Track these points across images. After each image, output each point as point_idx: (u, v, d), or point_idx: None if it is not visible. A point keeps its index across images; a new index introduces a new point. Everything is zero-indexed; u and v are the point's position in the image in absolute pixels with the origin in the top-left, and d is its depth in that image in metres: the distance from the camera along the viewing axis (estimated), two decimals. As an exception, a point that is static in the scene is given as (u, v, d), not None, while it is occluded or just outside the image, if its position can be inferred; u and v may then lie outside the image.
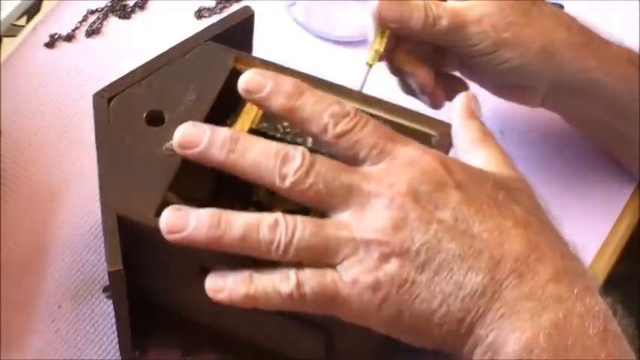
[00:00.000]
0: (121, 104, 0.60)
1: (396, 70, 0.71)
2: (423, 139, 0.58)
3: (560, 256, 0.51)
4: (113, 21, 0.86)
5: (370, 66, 0.68)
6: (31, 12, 0.87)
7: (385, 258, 0.49)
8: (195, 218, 0.51)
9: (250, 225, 0.50)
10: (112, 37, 0.85)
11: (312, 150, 0.52)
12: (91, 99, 0.61)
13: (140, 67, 0.62)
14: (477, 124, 0.57)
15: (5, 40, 0.85)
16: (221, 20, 0.65)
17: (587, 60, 0.68)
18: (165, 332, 0.66)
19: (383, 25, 0.67)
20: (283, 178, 0.50)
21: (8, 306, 0.69)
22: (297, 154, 0.51)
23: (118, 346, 0.66)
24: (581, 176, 0.77)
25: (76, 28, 0.85)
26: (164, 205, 0.53)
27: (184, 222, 0.51)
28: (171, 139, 0.54)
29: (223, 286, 0.52)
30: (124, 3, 0.86)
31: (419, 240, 0.49)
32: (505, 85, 0.71)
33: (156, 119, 0.60)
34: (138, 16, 0.86)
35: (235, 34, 0.64)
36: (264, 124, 0.61)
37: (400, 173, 0.51)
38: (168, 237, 0.51)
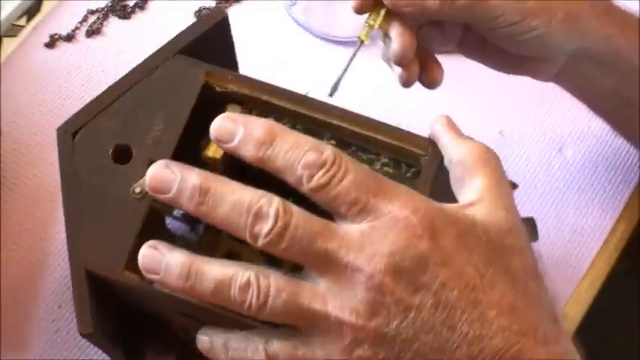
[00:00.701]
0: (86, 139, 0.57)
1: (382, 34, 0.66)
2: (412, 158, 0.56)
3: (542, 343, 0.47)
4: (113, 21, 0.86)
5: (362, 42, 0.64)
6: (31, 12, 0.87)
7: (358, 343, 0.46)
8: (166, 265, 0.49)
9: (222, 282, 0.48)
10: (112, 37, 0.85)
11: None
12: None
13: (105, 92, 0.58)
14: (470, 144, 0.53)
15: (5, 40, 0.85)
16: (190, 27, 0.60)
17: (609, 27, 0.65)
18: (161, 338, 0.65)
19: (397, 9, 0.62)
20: (255, 238, 0.47)
21: (8, 306, 0.69)
22: (270, 212, 0.47)
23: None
24: (581, 176, 0.77)
25: (76, 28, 0.85)
26: (134, 255, 0.50)
27: (157, 266, 0.49)
28: (140, 178, 0.52)
29: (208, 348, 0.51)
30: (124, 3, 0.86)
31: (395, 328, 0.46)
32: (522, 58, 0.67)
33: (123, 155, 0.56)
34: (138, 16, 0.86)
35: (210, 40, 0.60)
36: None
37: (382, 242, 0.46)
38: (147, 276, 0.50)
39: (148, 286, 0.52)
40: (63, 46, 0.84)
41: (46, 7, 0.87)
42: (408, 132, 0.56)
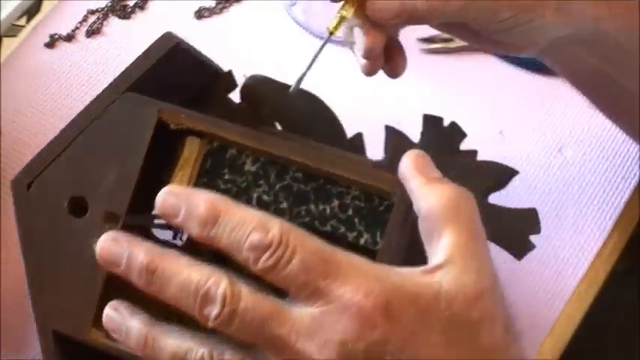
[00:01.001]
0: (41, 190, 0.54)
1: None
2: (382, 197, 0.53)
3: None
4: (113, 21, 0.86)
5: (331, 34, 0.59)
6: (31, 12, 0.87)
7: None
8: (126, 330, 0.48)
9: (177, 355, 0.47)
10: (112, 37, 0.85)
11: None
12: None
13: (57, 137, 0.56)
14: (439, 192, 0.48)
15: (5, 40, 0.85)
16: (139, 60, 0.56)
17: (600, 9, 0.62)
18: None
19: (382, 22, 0.59)
20: (205, 319, 0.45)
21: (8, 306, 0.69)
22: (218, 295, 0.45)
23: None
24: (581, 176, 0.77)
25: (76, 28, 0.85)
26: (100, 313, 0.49)
27: (119, 328, 0.49)
28: (98, 232, 0.50)
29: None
30: (124, 3, 0.86)
31: None
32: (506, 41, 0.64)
33: (79, 208, 0.54)
34: (138, 16, 0.86)
35: (167, 67, 0.57)
36: (204, 179, 0.55)
37: (333, 329, 0.43)
38: (112, 335, 0.49)
39: (114, 345, 0.51)
40: (63, 46, 0.84)
41: (46, 7, 0.87)
42: (376, 169, 0.53)
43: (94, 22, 0.85)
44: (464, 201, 0.48)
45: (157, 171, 0.54)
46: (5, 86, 0.80)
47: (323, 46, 0.58)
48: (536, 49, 0.65)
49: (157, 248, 0.48)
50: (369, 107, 0.79)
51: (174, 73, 0.57)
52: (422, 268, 0.46)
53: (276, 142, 0.53)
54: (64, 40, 0.84)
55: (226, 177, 0.55)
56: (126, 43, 0.84)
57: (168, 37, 0.56)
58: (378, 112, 0.79)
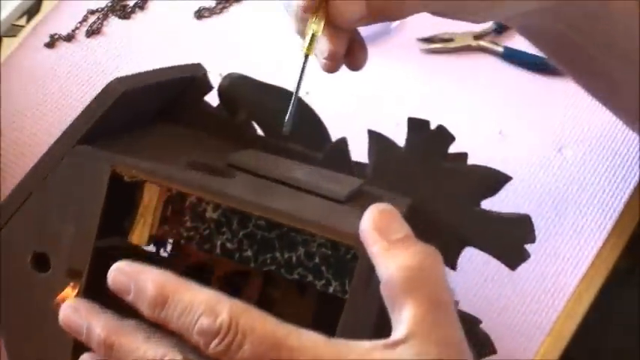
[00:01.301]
0: (6, 243, 0.53)
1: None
2: (349, 246, 0.51)
3: None
4: (113, 21, 0.86)
5: (307, 56, 0.55)
6: (31, 12, 0.87)
7: None
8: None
9: None
10: (112, 37, 0.85)
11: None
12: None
13: (15, 189, 0.54)
14: (401, 259, 0.45)
15: (5, 40, 0.85)
16: (87, 110, 0.53)
17: None
18: None
19: (348, 25, 0.55)
20: None
21: None
22: None
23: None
24: (581, 176, 0.77)
25: (76, 28, 0.85)
26: None
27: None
28: (63, 287, 0.50)
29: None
30: (124, 3, 0.86)
31: None
32: None
33: (42, 263, 0.53)
34: (138, 16, 0.86)
35: (119, 109, 0.54)
36: (166, 227, 0.54)
37: None
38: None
39: None
40: (63, 46, 0.84)
41: (46, 7, 0.87)
42: (336, 228, 0.50)
43: (94, 22, 0.85)
44: (427, 265, 0.45)
45: (118, 219, 0.53)
46: (5, 86, 0.80)
47: (303, 69, 0.55)
48: (500, 19, 0.64)
49: (114, 321, 0.47)
50: (368, 107, 0.79)
51: (133, 109, 0.56)
52: (384, 341, 0.44)
53: (234, 196, 0.51)
54: (64, 40, 0.84)
55: (188, 224, 0.53)
56: (126, 43, 0.84)
57: (113, 87, 0.53)
58: (378, 112, 0.79)
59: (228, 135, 0.60)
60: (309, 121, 0.60)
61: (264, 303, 0.56)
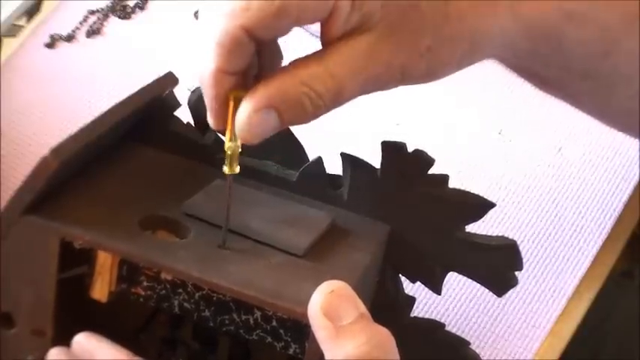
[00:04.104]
0: None
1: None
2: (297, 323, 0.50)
3: None
4: (113, 21, 0.86)
5: (232, 173, 0.50)
6: (31, 12, 0.87)
7: None
8: None
9: None
10: (112, 38, 0.85)
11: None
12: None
13: None
14: (346, 349, 0.43)
15: (5, 40, 0.85)
16: (27, 181, 0.51)
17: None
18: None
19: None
20: None
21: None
22: None
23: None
24: (580, 175, 0.77)
25: (77, 28, 0.85)
26: None
27: None
28: (29, 346, 0.50)
29: None
30: (124, 3, 0.86)
31: None
32: None
33: (8, 322, 0.53)
34: (138, 17, 0.86)
35: (62, 174, 0.52)
36: (123, 286, 0.53)
37: None
38: None
39: None
40: (63, 46, 0.84)
41: (46, 7, 0.87)
42: (285, 306, 0.48)
43: (94, 23, 0.85)
44: (375, 356, 0.43)
45: (76, 279, 0.53)
46: (5, 86, 0.80)
47: (230, 192, 0.51)
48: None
49: None
50: (368, 107, 0.79)
51: (84, 158, 0.54)
52: None
53: (180, 270, 0.50)
54: (64, 40, 0.84)
55: (145, 284, 0.53)
56: (126, 43, 0.84)
57: (47, 162, 0.50)
58: (378, 111, 0.79)
59: (198, 157, 0.58)
60: (283, 139, 0.57)
61: None
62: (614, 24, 0.54)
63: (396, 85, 0.49)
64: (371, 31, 0.47)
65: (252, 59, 0.47)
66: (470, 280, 0.58)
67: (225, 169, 0.50)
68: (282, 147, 0.57)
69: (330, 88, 0.47)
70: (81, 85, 0.81)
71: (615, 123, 0.66)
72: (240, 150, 0.49)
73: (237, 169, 0.50)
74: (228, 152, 0.49)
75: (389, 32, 0.47)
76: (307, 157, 0.58)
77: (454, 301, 0.69)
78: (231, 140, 0.48)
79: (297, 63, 0.48)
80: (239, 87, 0.47)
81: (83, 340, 0.49)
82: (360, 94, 0.48)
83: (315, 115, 0.47)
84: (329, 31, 0.47)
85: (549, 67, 0.56)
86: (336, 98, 0.47)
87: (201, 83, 0.47)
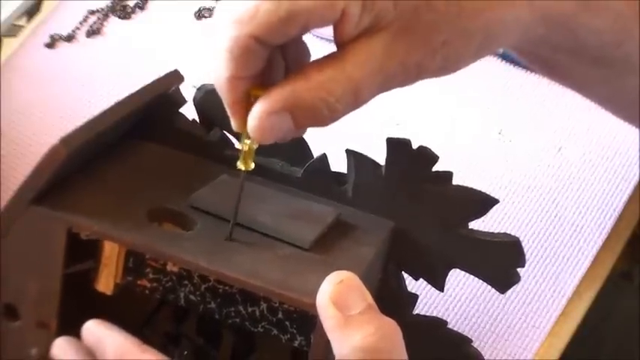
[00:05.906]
0: None
1: None
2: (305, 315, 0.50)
3: None
4: (113, 21, 0.86)
5: (246, 170, 0.51)
6: (31, 12, 0.87)
7: None
8: None
9: None
10: (112, 38, 0.85)
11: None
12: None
13: None
14: (357, 340, 0.43)
15: (5, 40, 0.85)
16: (35, 170, 0.51)
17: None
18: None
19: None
20: None
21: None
22: None
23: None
24: (581, 176, 0.77)
25: (77, 28, 0.85)
26: None
27: None
28: (33, 338, 0.50)
29: None
30: (124, 3, 0.86)
31: None
32: None
33: (12, 313, 0.53)
34: (138, 17, 0.86)
35: (70, 165, 0.52)
36: (130, 278, 0.53)
37: None
38: None
39: None
40: (63, 46, 0.84)
41: (46, 7, 0.87)
42: (292, 296, 0.48)
43: (94, 23, 0.85)
44: (382, 347, 0.43)
45: (82, 272, 0.53)
46: (5, 86, 0.80)
47: (242, 187, 0.51)
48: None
49: None
50: (368, 107, 0.79)
51: (92, 150, 0.55)
52: None
53: (187, 260, 0.50)
54: (64, 40, 0.84)
55: (150, 276, 0.53)
56: (126, 43, 0.84)
57: (56, 150, 0.51)
58: (378, 111, 0.79)
59: (203, 153, 0.59)
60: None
61: None
62: (627, 13, 0.54)
63: (412, 82, 0.49)
64: (385, 31, 0.47)
65: (269, 60, 0.47)
66: (470, 280, 0.58)
67: (240, 164, 0.50)
68: (287, 144, 0.57)
69: (348, 91, 0.47)
70: (81, 85, 0.81)
71: (621, 111, 0.66)
72: (256, 147, 0.49)
73: (252, 166, 0.50)
74: (245, 149, 0.49)
75: (403, 31, 0.47)
76: (312, 155, 0.59)
77: (454, 301, 0.69)
78: (248, 137, 0.48)
79: (311, 66, 0.47)
80: (259, 85, 0.47)
81: (93, 327, 0.49)
82: (377, 94, 0.49)
83: (332, 118, 0.47)
84: (342, 33, 0.47)
85: (560, 53, 0.56)
86: (355, 100, 0.48)
87: (218, 90, 0.47)
